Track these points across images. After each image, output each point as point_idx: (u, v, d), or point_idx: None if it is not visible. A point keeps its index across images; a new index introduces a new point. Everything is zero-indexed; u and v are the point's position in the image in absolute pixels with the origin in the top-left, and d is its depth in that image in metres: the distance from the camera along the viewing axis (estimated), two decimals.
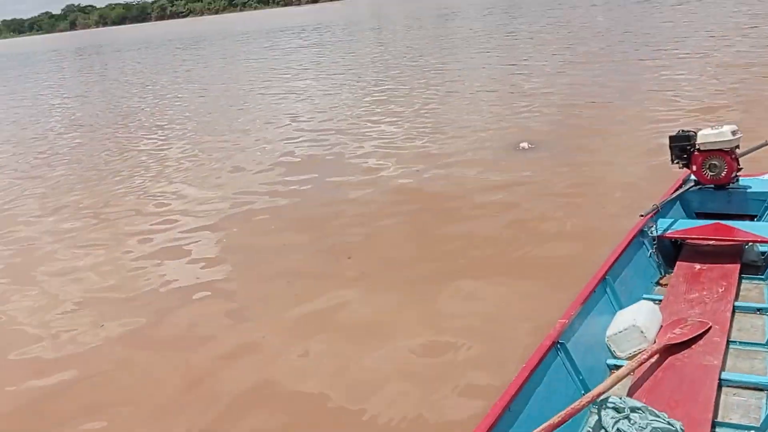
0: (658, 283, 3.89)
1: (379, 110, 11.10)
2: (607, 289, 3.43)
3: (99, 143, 11.64)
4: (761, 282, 3.76)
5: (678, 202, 4.56)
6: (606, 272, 3.45)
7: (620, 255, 3.64)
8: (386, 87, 13.80)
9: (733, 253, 3.95)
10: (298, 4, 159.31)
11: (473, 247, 5.15)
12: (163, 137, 11.28)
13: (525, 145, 7.84)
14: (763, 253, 3.98)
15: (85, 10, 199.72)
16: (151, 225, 6.73)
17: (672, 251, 4.17)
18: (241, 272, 5.32)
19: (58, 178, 9.25)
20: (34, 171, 9.92)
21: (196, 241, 6.05)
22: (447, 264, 4.90)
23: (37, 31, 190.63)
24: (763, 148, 5.50)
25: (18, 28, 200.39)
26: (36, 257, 6.21)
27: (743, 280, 3.79)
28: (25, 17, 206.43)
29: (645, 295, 3.68)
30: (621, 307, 3.36)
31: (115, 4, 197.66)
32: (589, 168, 6.73)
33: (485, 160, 7.57)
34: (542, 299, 4.15)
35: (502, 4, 46.12)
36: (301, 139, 9.76)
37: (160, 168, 9.04)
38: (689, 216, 4.54)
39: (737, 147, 4.47)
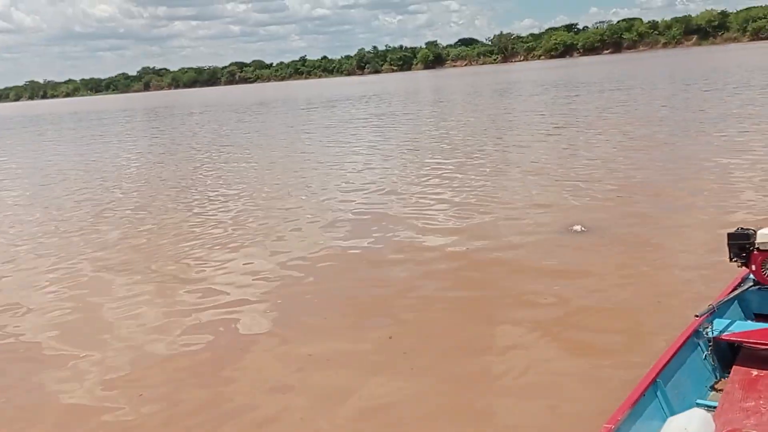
0: (712, 388, 3.75)
1: (432, 187, 11.21)
2: (658, 393, 3.32)
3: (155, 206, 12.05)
4: None
5: (736, 302, 4.42)
6: (657, 374, 3.35)
7: (673, 356, 3.54)
8: (441, 162, 13.96)
9: None
10: (361, 74, 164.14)
11: (515, 339, 5.07)
12: (214, 207, 11.59)
13: (578, 228, 7.78)
14: None
15: (159, 72, 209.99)
16: (197, 296, 6.86)
17: (729, 354, 4.02)
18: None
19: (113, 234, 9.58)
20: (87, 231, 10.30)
21: (235, 318, 6.11)
22: (486, 356, 4.83)
23: (113, 90, 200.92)
24: None
25: (95, 86, 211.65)
26: (90, 318, 6.39)
27: None
28: (102, 77, 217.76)
29: (698, 401, 3.55)
30: (672, 413, 3.24)
31: (188, 68, 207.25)
32: (643, 258, 6.60)
33: (538, 241, 7.52)
34: (588, 402, 4.03)
35: (561, 80, 46.61)
36: (349, 212, 9.88)
37: (207, 237, 9.22)
38: (748, 318, 4.39)
39: None
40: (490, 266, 6.80)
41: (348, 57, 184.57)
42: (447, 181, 11.54)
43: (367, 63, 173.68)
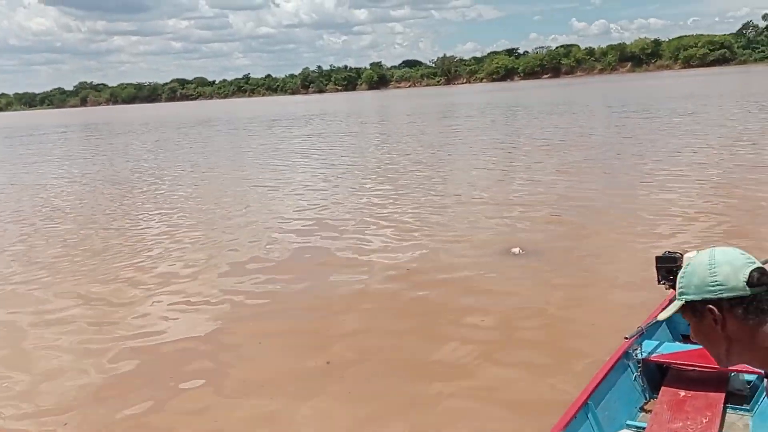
0: (642, 409, 3.83)
1: (372, 209, 11.21)
2: (589, 415, 3.37)
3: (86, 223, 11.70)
4: (746, 413, 3.70)
5: (664, 325, 4.53)
6: (588, 397, 3.40)
7: (603, 378, 3.60)
8: (382, 185, 14.00)
9: (719, 381, 3.91)
10: (305, 93, 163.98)
11: (452, 363, 5.08)
12: (150, 225, 11.32)
13: (517, 250, 7.89)
14: (749, 383, 3.93)
15: (97, 87, 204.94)
16: (128, 320, 6.66)
17: (658, 375, 4.12)
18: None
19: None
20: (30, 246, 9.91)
21: (166, 342, 5.96)
22: (422, 382, 4.82)
23: (48, 105, 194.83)
24: None
25: (29, 101, 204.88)
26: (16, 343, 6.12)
27: (728, 410, 3.73)
28: (37, 91, 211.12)
29: (628, 422, 3.61)
30: None
31: (127, 84, 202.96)
32: (578, 281, 6.75)
33: (478, 263, 7.59)
34: (522, 426, 4.06)
35: (502, 103, 47.61)
36: (287, 234, 9.76)
37: (142, 258, 9.00)
38: (676, 339, 4.51)
39: None
40: (429, 289, 6.81)
41: (292, 76, 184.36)
42: (388, 203, 11.57)
43: (311, 82, 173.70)
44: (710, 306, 1.60)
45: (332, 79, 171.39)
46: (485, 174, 14.44)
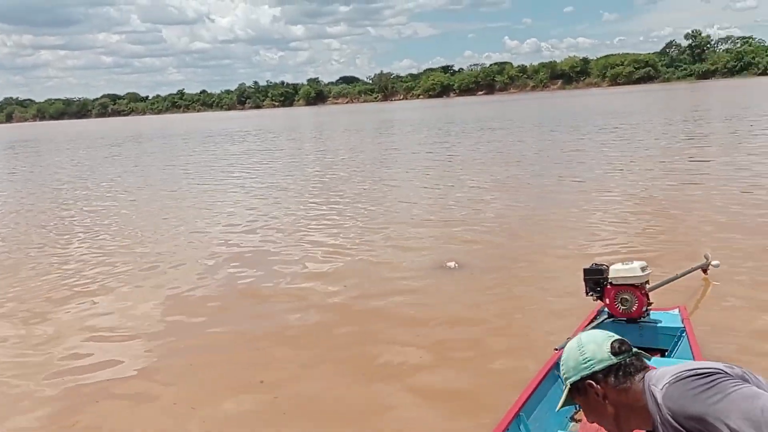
0: (572, 419, 3.90)
1: (305, 229, 11.00)
2: (521, 427, 3.41)
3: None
4: None
5: None
6: (520, 409, 3.44)
7: (534, 390, 3.66)
8: (317, 202, 13.93)
9: None
10: (242, 109, 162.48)
11: (389, 375, 5.08)
12: (75, 250, 10.95)
13: (452, 264, 7.97)
14: None
15: (23, 103, 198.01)
16: (54, 343, 6.40)
17: None
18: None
19: None
20: None
21: (96, 371, 5.76)
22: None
23: None
24: (672, 282, 5.81)
25: None
26: None
27: None
28: None
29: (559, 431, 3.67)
30: None
31: (55, 99, 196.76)
32: (510, 294, 6.85)
33: (413, 278, 7.61)
34: None
35: (439, 119, 48.30)
36: (216, 258, 9.34)
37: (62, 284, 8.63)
38: None
39: (647, 282, 4.66)
40: (365, 307, 6.75)
41: (228, 91, 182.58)
42: (321, 222, 11.45)
43: (248, 98, 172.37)
44: (589, 381, 1.88)
45: (269, 94, 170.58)
46: (420, 191, 14.55)
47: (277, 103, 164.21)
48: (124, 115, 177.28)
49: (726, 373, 1.70)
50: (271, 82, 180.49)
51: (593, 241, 8.67)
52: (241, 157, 27.17)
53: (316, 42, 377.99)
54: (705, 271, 6.51)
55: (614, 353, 1.89)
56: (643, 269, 4.56)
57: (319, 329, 6.22)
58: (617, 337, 1.96)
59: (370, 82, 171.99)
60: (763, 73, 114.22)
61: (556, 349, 4.08)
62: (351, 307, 6.76)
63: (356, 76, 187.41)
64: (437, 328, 5.95)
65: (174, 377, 5.33)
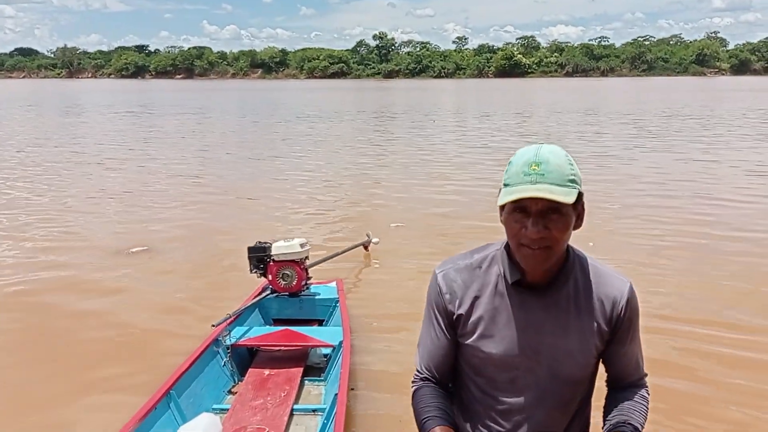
0: (230, 392, 3.98)
1: None
2: (171, 404, 3.37)
3: None
4: (321, 383, 4.11)
5: (256, 310, 4.81)
6: (171, 386, 3.40)
7: (189, 367, 3.64)
8: None
9: (299, 357, 4.28)
10: None
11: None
12: None
13: (137, 249, 7.62)
14: (325, 356, 4.38)
15: None
16: None
17: (247, 359, 4.34)
18: None
19: None
20: None
21: None
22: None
23: None
24: (343, 256, 6.29)
25: None
26: None
27: (306, 383, 4.11)
28: None
29: (214, 406, 3.72)
30: (185, 421, 3.31)
31: None
32: (194, 272, 6.78)
33: (93, 265, 7.09)
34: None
35: (140, 102, 45.54)
36: None
37: None
38: (267, 323, 4.81)
39: (306, 258, 4.95)
40: (47, 297, 6.14)
41: None
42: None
43: None
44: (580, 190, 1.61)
45: None
46: (114, 175, 13.51)
47: None
48: None
49: None
50: None
51: (284, 222, 8.96)
52: None
53: None
54: (366, 247, 7.14)
55: None
56: (302, 245, 4.83)
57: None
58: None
59: (52, 56, 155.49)
60: (438, 76, 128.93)
61: (213, 326, 4.13)
62: (35, 300, 6.08)
63: (35, 48, 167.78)
64: (112, 314, 5.62)
65: None
